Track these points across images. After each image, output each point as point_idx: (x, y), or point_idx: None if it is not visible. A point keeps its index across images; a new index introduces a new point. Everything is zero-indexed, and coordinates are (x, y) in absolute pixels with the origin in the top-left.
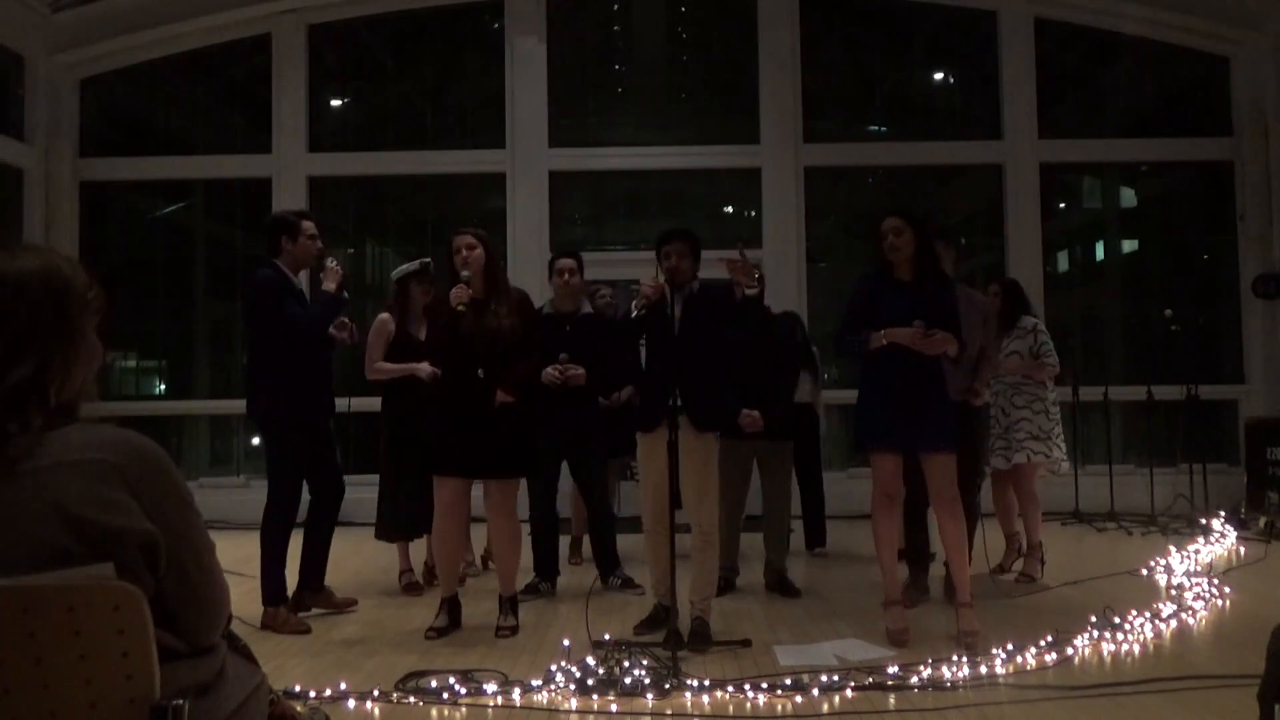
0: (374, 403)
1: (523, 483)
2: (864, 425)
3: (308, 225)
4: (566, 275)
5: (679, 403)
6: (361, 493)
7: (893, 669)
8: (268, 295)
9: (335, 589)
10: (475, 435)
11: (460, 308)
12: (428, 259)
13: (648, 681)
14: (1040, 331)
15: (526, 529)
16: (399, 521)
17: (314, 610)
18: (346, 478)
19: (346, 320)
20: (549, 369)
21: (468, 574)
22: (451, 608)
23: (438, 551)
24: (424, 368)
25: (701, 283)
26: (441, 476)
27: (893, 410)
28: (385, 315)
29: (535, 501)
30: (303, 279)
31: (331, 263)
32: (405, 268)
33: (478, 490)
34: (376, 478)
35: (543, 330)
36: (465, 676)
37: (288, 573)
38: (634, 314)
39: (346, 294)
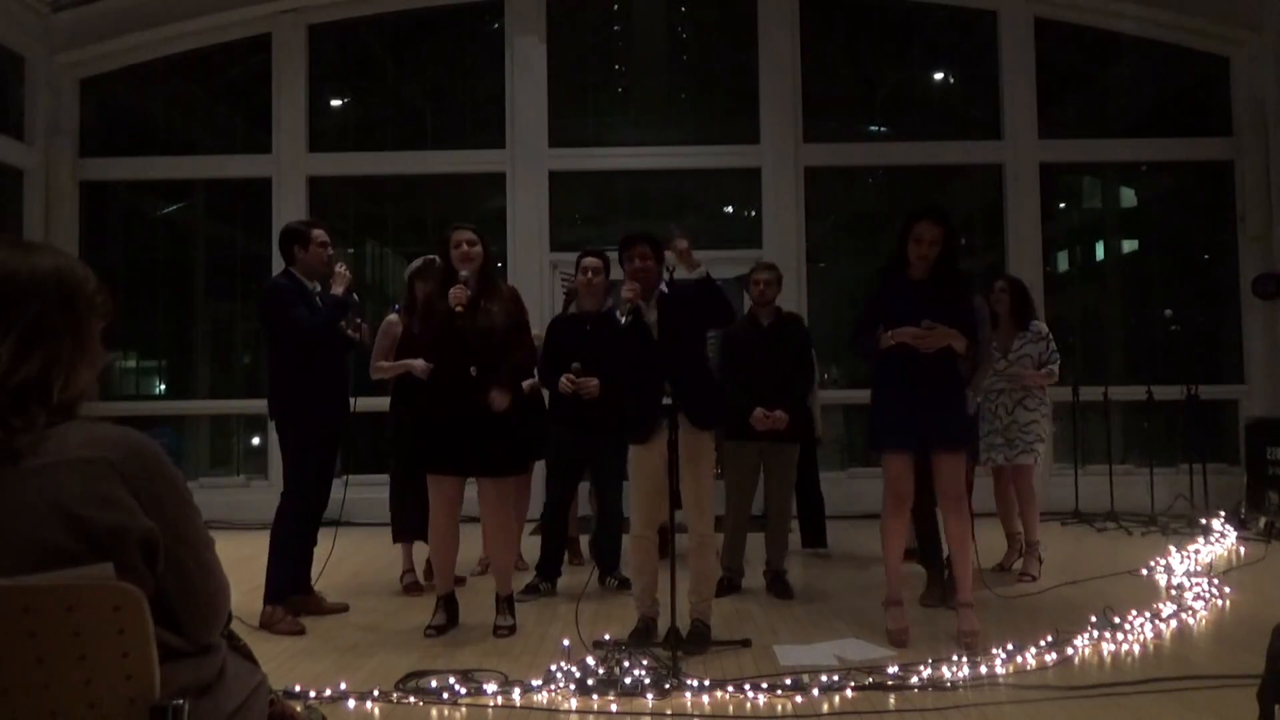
0: (378, 403)
1: (538, 481)
2: (877, 425)
3: (318, 234)
4: (590, 274)
5: (675, 403)
6: (364, 493)
7: (893, 669)
8: (276, 300)
9: (333, 588)
10: (468, 433)
11: (458, 309)
12: (432, 256)
13: (648, 681)
14: (1051, 339)
15: (528, 528)
16: (407, 522)
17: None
18: (350, 478)
19: (360, 321)
20: (562, 379)
21: (475, 573)
22: (449, 605)
23: (433, 550)
24: (418, 364)
25: (669, 284)
26: (435, 475)
27: (906, 410)
28: (393, 316)
29: (551, 501)
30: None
31: (340, 268)
32: (411, 265)
33: (473, 490)
34: (379, 478)
35: (563, 330)
36: (465, 676)
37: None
38: (623, 321)
39: (355, 297)
